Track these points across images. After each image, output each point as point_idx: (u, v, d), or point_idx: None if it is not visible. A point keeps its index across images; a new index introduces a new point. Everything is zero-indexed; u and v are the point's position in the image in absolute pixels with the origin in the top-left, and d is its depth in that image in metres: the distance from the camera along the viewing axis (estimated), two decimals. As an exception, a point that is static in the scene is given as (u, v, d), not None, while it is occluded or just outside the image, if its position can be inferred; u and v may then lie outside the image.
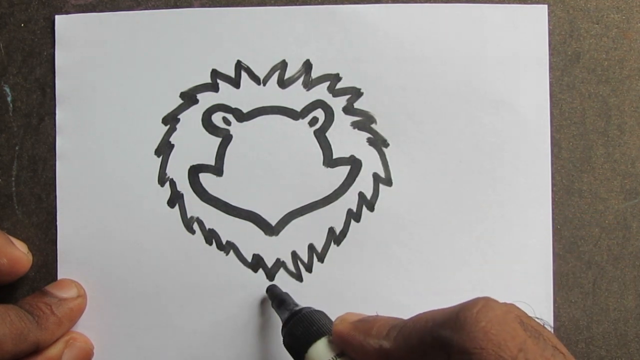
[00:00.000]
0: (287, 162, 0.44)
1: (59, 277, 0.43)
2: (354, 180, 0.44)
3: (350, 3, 0.44)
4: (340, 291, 0.43)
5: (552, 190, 0.44)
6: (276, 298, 0.41)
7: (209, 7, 0.44)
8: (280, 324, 0.40)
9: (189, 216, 0.44)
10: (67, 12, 0.44)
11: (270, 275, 0.43)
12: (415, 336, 0.30)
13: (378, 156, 0.44)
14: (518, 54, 0.44)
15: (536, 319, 0.30)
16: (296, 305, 0.40)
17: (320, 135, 0.44)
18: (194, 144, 0.44)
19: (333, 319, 0.37)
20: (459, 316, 0.29)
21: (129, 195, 0.43)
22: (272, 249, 0.44)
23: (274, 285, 0.43)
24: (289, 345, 0.37)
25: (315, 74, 0.44)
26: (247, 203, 0.44)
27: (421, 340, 0.30)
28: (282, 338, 0.38)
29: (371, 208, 0.44)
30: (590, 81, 0.44)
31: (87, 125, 0.44)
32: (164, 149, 0.44)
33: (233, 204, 0.44)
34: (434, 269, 0.43)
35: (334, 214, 0.44)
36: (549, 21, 0.44)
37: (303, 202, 0.44)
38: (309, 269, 0.44)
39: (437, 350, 0.29)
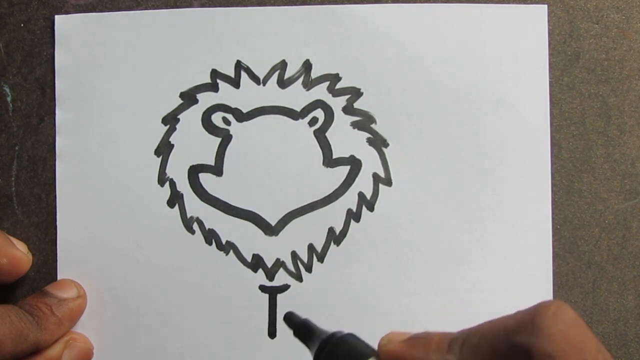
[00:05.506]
0: (287, 162, 0.44)
1: (59, 277, 0.43)
2: (354, 180, 0.44)
3: (350, 3, 0.44)
4: (340, 291, 0.43)
5: (552, 190, 0.44)
6: (297, 326, 0.37)
7: (209, 7, 0.44)
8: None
9: (188, 216, 0.44)
10: (67, 12, 0.44)
11: (270, 275, 0.43)
12: (485, 346, 0.29)
13: (378, 156, 0.44)
14: (518, 54, 0.44)
15: None
16: (322, 331, 0.36)
17: (320, 135, 0.44)
18: (193, 144, 0.44)
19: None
20: (535, 320, 0.28)
21: (129, 195, 0.43)
22: (272, 248, 0.44)
23: (291, 313, 0.40)
24: None
25: (315, 74, 0.44)
26: (247, 203, 0.44)
27: (493, 349, 0.29)
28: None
29: (371, 208, 0.44)
30: (590, 81, 0.44)
31: (87, 125, 0.44)
32: (164, 149, 0.44)
33: (233, 204, 0.44)
34: (434, 269, 0.43)
35: (333, 214, 0.44)
36: (548, 21, 0.44)
37: (303, 202, 0.44)
38: (308, 269, 0.44)
39: (513, 358, 0.28)
